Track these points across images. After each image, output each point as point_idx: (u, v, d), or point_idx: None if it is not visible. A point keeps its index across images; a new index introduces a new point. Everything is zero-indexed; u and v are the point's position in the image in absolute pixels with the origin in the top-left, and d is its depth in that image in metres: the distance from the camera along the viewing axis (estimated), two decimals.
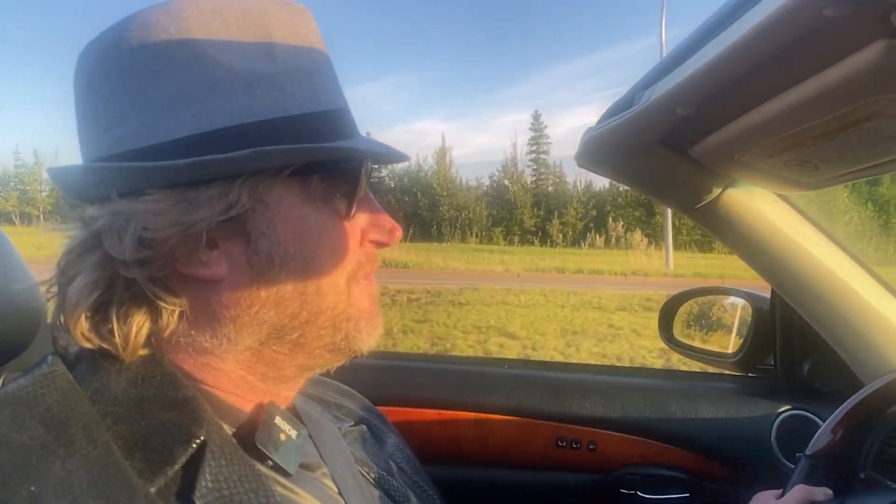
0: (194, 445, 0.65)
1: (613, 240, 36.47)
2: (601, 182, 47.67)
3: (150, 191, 0.65)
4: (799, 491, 0.96)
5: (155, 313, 0.70)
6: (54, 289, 0.72)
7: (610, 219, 39.42)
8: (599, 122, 1.13)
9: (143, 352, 0.70)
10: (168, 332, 0.70)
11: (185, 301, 0.70)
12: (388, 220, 0.80)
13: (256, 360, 0.75)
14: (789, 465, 1.48)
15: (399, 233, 0.81)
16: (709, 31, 0.80)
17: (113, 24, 0.70)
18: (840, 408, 1.01)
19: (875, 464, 1.35)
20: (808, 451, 1.01)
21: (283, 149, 0.66)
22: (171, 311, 0.70)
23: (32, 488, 0.56)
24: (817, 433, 1.01)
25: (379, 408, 1.13)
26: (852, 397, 1.01)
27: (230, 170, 0.66)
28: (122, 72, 0.68)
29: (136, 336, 0.68)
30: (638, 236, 34.55)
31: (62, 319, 0.70)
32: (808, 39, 0.68)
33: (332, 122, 0.73)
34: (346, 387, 1.10)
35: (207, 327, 0.72)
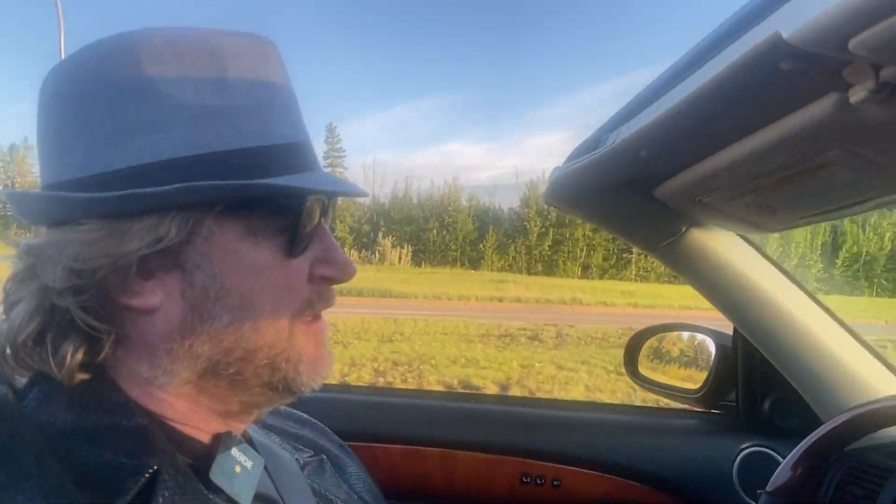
0: (147, 475, 0.65)
1: None
2: None
3: (83, 220, 0.66)
4: None
5: (90, 341, 0.69)
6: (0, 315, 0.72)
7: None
8: (566, 161, 1.15)
9: (89, 378, 0.69)
10: (102, 358, 0.70)
11: (121, 329, 0.70)
12: (339, 255, 0.77)
13: (198, 394, 0.73)
14: (750, 502, 1.50)
15: (352, 268, 0.78)
16: (672, 77, 0.83)
17: (72, 53, 0.71)
18: (799, 445, 1.03)
19: (832, 501, 1.38)
20: (768, 488, 1.02)
21: (212, 185, 0.66)
22: (106, 340, 0.69)
23: None
24: (778, 469, 1.03)
25: (347, 443, 1.12)
26: (811, 434, 1.03)
27: (159, 203, 0.65)
28: (73, 101, 0.68)
29: (69, 361, 0.67)
30: None
31: (6, 347, 0.69)
32: (765, 90, 0.71)
33: (283, 156, 0.71)
34: (306, 416, 1.09)
35: (144, 358, 0.71)
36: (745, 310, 1.37)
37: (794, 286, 1.34)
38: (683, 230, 1.27)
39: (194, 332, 0.70)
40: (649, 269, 43.38)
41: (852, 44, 0.52)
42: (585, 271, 45.55)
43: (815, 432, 1.02)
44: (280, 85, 0.74)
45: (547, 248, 46.25)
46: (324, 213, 0.76)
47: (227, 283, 0.70)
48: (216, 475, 0.71)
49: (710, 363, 1.69)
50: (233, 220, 0.69)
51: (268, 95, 0.72)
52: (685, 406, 1.81)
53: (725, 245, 1.29)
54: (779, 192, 0.94)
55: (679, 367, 1.87)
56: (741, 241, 1.31)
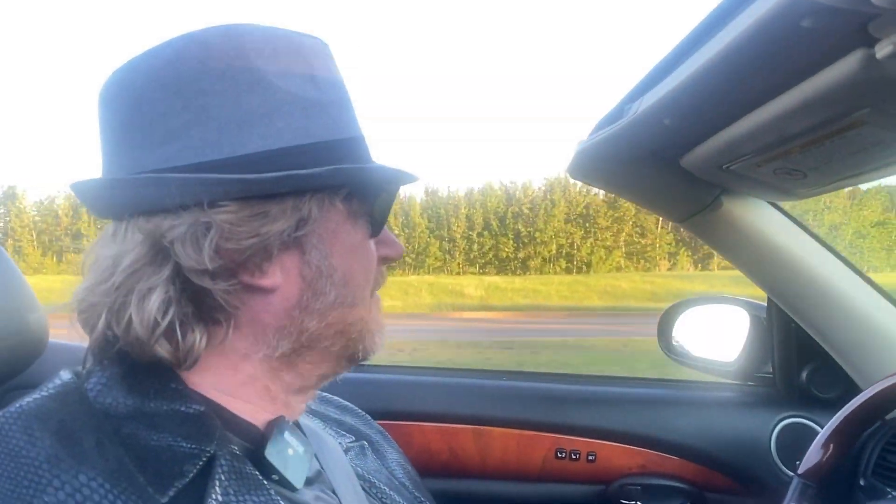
0: (204, 459, 0.67)
1: None
2: None
3: (226, 203, 0.68)
4: None
5: (214, 324, 0.72)
6: (82, 315, 0.72)
7: None
8: (590, 134, 1.14)
9: (150, 365, 0.70)
10: (224, 342, 0.73)
11: (242, 310, 0.73)
12: (394, 239, 0.86)
13: (284, 368, 0.77)
14: (789, 473, 1.48)
15: (402, 248, 0.87)
16: (692, 43, 0.81)
17: (163, 43, 0.72)
18: (829, 422, 1.01)
19: (875, 471, 1.35)
20: (798, 471, 1.00)
21: (358, 168, 0.74)
22: (229, 321, 0.72)
23: (46, 499, 0.57)
24: (808, 451, 1.01)
25: (378, 422, 1.13)
26: (842, 410, 1.01)
27: (309, 185, 0.70)
28: (182, 88, 0.69)
29: (198, 348, 0.70)
30: None
31: (133, 335, 0.68)
32: (788, 50, 0.69)
33: (364, 146, 0.79)
34: (347, 402, 1.11)
35: (249, 334, 0.74)
36: (778, 278, 1.35)
37: (827, 252, 1.31)
38: (712, 200, 1.25)
39: (307, 309, 0.75)
40: None
41: None
42: None
43: (845, 407, 1.00)
44: (344, 82, 0.80)
45: None
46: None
47: (335, 262, 0.76)
48: (272, 455, 0.73)
49: (745, 335, 1.67)
50: (343, 204, 0.76)
51: (344, 91, 0.79)
52: (721, 379, 1.79)
53: (756, 213, 1.27)
54: (807, 156, 0.92)
55: (713, 340, 1.85)
56: (772, 208, 1.28)
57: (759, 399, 1.64)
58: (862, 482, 1.34)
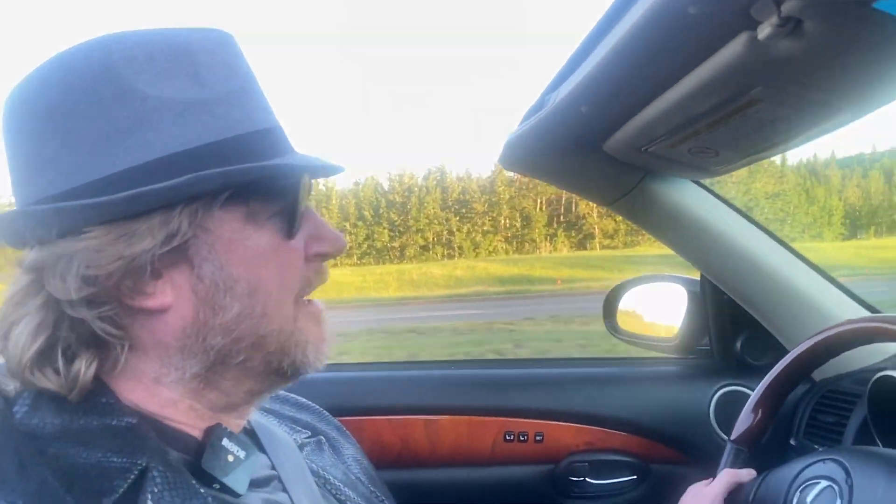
0: (136, 473, 0.65)
1: None
2: None
3: (89, 228, 0.64)
4: (725, 475, 1.00)
5: (103, 350, 0.69)
6: None
7: None
8: (518, 125, 1.18)
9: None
10: (117, 368, 0.70)
11: (134, 333, 0.70)
12: (329, 231, 0.79)
13: (204, 388, 0.74)
14: (727, 438, 1.54)
15: (342, 242, 0.80)
16: (599, 33, 0.85)
17: (36, 67, 0.69)
18: (756, 389, 1.06)
19: (807, 431, 1.42)
20: (731, 437, 1.05)
21: (219, 172, 0.66)
22: (120, 346, 0.69)
23: None
24: (739, 417, 1.06)
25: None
26: (766, 376, 1.06)
27: (168, 199, 0.65)
28: (50, 113, 0.67)
29: (83, 375, 0.67)
30: None
31: (7, 363, 0.68)
32: (681, 36, 0.74)
33: (266, 141, 0.72)
34: (304, 400, 1.10)
35: (155, 357, 0.71)
36: (706, 254, 1.40)
37: (751, 226, 1.38)
38: (638, 182, 1.29)
39: (207, 326, 0.70)
40: None
41: None
42: None
43: (772, 370, 1.05)
44: (248, 73, 0.75)
45: None
46: (307, 192, 0.78)
47: (234, 272, 0.70)
48: (209, 466, 0.71)
49: (683, 310, 1.73)
50: (234, 208, 0.70)
51: (241, 84, 0.73)
52: (664, 354, 1.85)
53: (680, 193, 1.32)
54: (716, 135, 0.97)
55: (655, 317, 1.91)
56: (695, 187, 1.33)
57: (699, 371, 1.70)
58: (793, 442, 1.41)
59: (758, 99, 0.83)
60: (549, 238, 63.50)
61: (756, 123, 0.90)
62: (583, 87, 0.92)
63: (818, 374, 1.45)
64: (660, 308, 1.90)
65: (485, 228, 63.15)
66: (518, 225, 63.15)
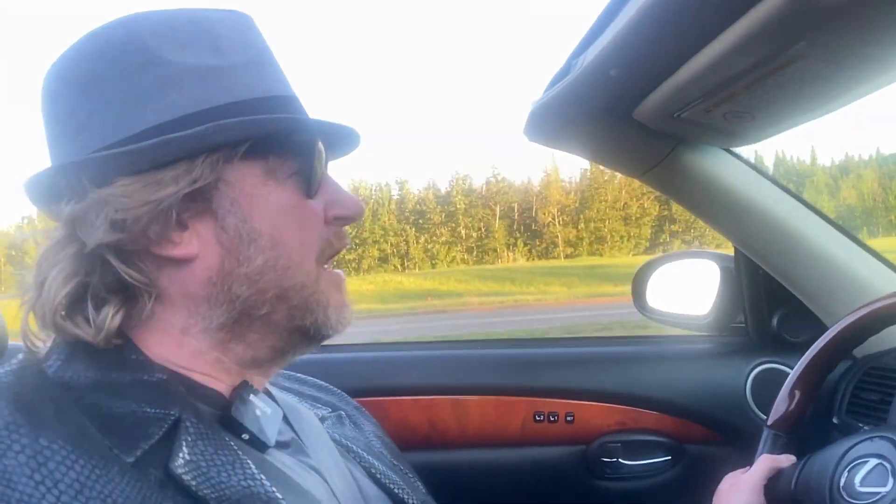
0: (169, 422, 0.67)
1: None
2: None
3: (118, 178, 0.69)
4: (763, 461, 0.96)
5: (131, 299, 0.72)
6: (26, 296, 0.73)
7: None
8: (543, 92, 1.13)
9: (116, 340, 0.72)
10: (144, 316, 0.73)
11: (161, 283, 0.73)
12: (347, 196, 0.83)
13: (231, 340, 0.77)
14: (765, 416, 1.50)
15: (361, 207, 0.84)
16: None
17: (69, 46, 0.75)
18: (794, 369, 1.02)
19: (849, 409, 1.37)
20: (768, 422, 1.01)
21: (237, 121, 0.71)
22: (147, 295, 0.72)
23: (6, 462, 0.57)
24: (776, 401, 1.02)
25: (356, 400, 1.13)
26: (803, 357, 1.01)
27: (191, 147, 0.69)
28: (81, 82, 0.73)
29: (109, 323, 0.70)
30: None
31: (39, 312, 0.71)
32: None
33: (283, 105, 0.77)
34: (322, 382, 1.11)
35: (182, 307, 0.75)
36: (740, 226, 1.36)
37: (788, 197, 1.32)
38: (669, 151, 1.25)
39: (232, 275, 0.74)
40: None
41: None
42: None
43: (808, 351, 1.01)
44: (265, 47, 0.80)
45: None
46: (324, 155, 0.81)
47: (256, 225, 0.74)
48: (239, 416, 0.74)
49: (716, 287, 1.68)
50: (253, 163, 0.74)
51: (259, 55, 0.78)
52: (697, 332, 1.80)
53: (713, 162, 1.27)
54: (754, 96, 0.92)
55: (687, 295, 1.86)
56: (729, 155, 1.28)
57: (734, 349, 1.66)
58: (835, 420, 1.36)
59: (800, 55, 0.78)
60: (510, 247, 63.04)
61: (798, 82, 0.85)
62: (612, 49, 0.88)
63: (859, 351, 1.40)
64: (691, 285, 1.85)
65: (443, 239, 62.60)
66: (476, 235, 62.51)
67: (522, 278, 38.22)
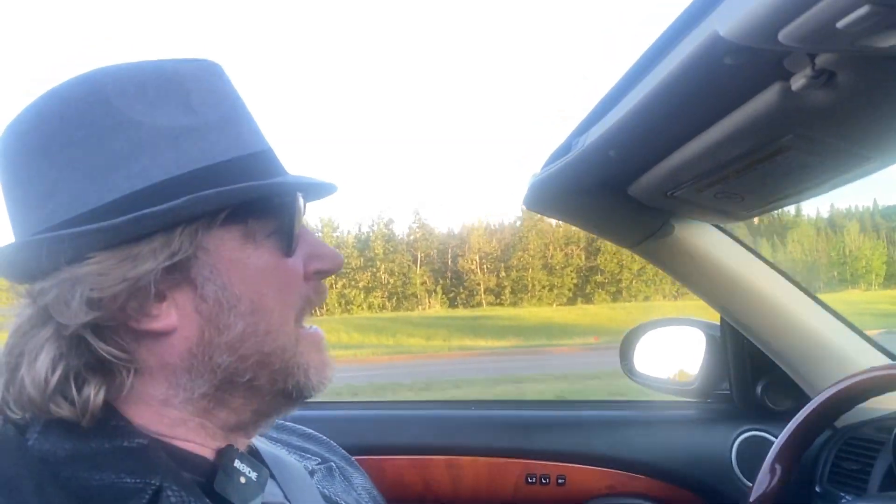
0: (150, 493, 0.65)
1: None
2: None
3: (92, 254, 0.66)
4: None
5: (110, 375, 0.70)
6: None
7: None
8: (542, 168, 1.20)
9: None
10: (125, 391, 0.70)
11: (140, 357, 0.71)
12: (327, 249, 0.81)
13: (214, 407, 0.75)
14: (749, 484, 1.53)
15: (340, 258, 0.82)
16: (630, 80, 0.88)
17: (28, 104, 0.71)
18: (776, 442, 1.05)
19: (830, 478, 1.41)
20: (751, 498, 1.04)
21: (217, 192, 0.68)
22: (127, 370, 0.70)
23: None
24: (757, 477, 1.05)
25: (353, 457, 1.14)
26: (781, 434, 1.05)
27: (169, 220, 0.66)
28: (44, 146, 0.69)
29: (94, 401, 0.68)
30: None
31: (25, 396, 0.68)
32: (715, 85, 0.76)
33: (260, 163, 0.75)
34: (311, 430, 1.10)
35: (162, 379, 0.72)
36: (727, 298, 1.41)
37: (771, 271, 1.39)
38: (661, 225, 1.31)
39: (213, 344, 0.71)
40: None
41: (782, 35, 0.57)
42: None
43: (786, 428, 1.04)
44: (237, 98, 0.77)
45: None
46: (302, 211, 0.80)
47: (236, 290, 0.72)
48: (221, 488, 0.72)
49: (702, 354, 1.73)
50: (232, 228, 0.72)
51: (231, 109, 0.75)
52: (682, 398, 1.84)
53: (702, 236, 1.33)
54: (743, 180, 0.99)
55: (673, 361, 1.90)
56: (717, 231, 1.35)
57: (719, 415, 1.69)
58: (818, 489, 1.40)
59: (787, 146, 0.85)
60: (430, 294, 62.43)
61: (784, 170, 0.92)
62: (613, 132, 0.94)
63: (840, 421, 1.44)
64: (678, 351, 1.89)
65: (362, 284, 61.75)
66: (394, 281, 61.89)
67: (386, 328, 37.10)
